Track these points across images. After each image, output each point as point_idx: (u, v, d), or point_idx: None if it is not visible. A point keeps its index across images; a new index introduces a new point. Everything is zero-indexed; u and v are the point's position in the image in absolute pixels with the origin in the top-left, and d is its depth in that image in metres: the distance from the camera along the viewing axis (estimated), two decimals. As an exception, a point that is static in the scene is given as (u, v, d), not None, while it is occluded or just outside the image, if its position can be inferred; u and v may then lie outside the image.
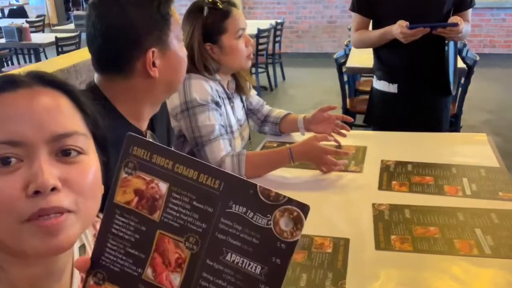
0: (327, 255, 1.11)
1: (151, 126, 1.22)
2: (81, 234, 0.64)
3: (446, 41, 2.06)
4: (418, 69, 2.13)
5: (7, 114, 0.58)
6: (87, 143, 0.63)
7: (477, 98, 4.83)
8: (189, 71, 1.63)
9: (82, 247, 0.73)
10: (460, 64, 3.32)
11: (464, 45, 3.80)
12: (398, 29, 1.97)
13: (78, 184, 0.59)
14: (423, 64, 2.11)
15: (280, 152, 1.58)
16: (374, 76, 2.34)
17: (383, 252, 1.13)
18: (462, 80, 3.31)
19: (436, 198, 1.37)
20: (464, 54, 3.56)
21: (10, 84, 0.61)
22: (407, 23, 1.95)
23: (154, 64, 1.07)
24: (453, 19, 1.97)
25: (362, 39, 2.23)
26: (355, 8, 2.22)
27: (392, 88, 2.21)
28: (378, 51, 2.26)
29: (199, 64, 1.62)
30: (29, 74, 0.64)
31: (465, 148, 1.75)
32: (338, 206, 1.37)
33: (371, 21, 2.22)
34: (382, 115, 2.29)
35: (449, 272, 1.04)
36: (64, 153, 0.59)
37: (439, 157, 1.65)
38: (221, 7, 1.62)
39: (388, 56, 2.21)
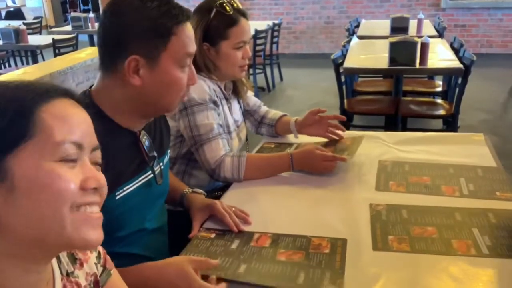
0: (325, 256, 1.11)
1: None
2: None
3: None
4: None
5: (78, 118, 0.64)
6: None
7: (475, 98, 4.84)
8: None
9: (71, 257, 0.74)
10: (457, 64, 3.34)
11: (461, 45, 3.80)
12: None
13: (104, 190, 0.66)
14: None
15: (281, 157, 1.58)
16: None
17: (381, 253, 1.12)
18: (459, 80, 3.31)
19: (434, 198, 1.37)
20: (461, 54, 3.56)
21: (61, 92, 0.65)
22: None
23: (138, 72, 1.06)
24: None
25: None
26: None
27: None
28: None
29: (200, 62, 1.61)
30: (60, 89, 0.67)
31: (462, 148, 1.75)
32: (335, 206, 1.37)
33: None
34: None
35: (446, 272, 1.03)
36: (95, 162, 0.67)
37: (436, 157, 1.65)
38: (230, 13, 1.61)
39: None
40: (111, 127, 1.09)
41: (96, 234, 0.63)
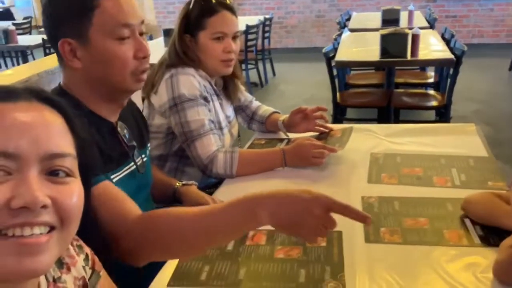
0: (323, 249, 1.11)
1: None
2: (58, 257, 0.63)
3: None
4: None
5: (5, 124, 0.57)
6: (75, 166, 0.63)
7: (467, 89, 4.85)
8: (175, 65, 1.62)
9: (58, 262, 0.72)
10: (449, 55, 3.34)
11: (452, 36, 3.80)
12: None
13: (66, 205, 0.59)
14: None
15: (274, 153, 1.58)
16: None
17: (373, 245, 1.12)
18: (451, 71, 3.32)
19: (425, 190, 1.38)
20: (452, 45, 3.56)
21: (10, 95, 0.60)
22: None
23: (76, 55, 1.05)
24: None
25: None
26: None
27: None
28: None
29: (181, 53, 1.62)
30: (27, 89, 0.63)
31: (454, 139, 1.75)
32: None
33: None
34: None
35: (438, 263, 1.04)
36: (53, 173, 0.59)
37: (428, 148, 1.65)
38: (209, 3, 1.61)
39: None
40: (90, 116, 1.08)
41: (35, 262, 0.55)
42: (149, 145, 1.32)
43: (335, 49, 3.66)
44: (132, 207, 1.01)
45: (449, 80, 3.36)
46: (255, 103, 1.94)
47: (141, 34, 1.11)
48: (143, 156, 1.24)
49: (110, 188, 1.02)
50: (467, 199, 1.22)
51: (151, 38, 4.89)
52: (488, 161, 1.54)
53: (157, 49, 3.65)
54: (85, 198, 0.64)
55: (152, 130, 1.61)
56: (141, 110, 1.51)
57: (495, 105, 4.71)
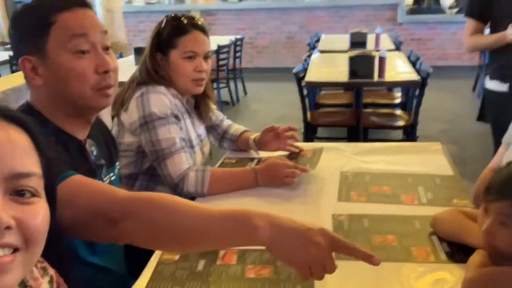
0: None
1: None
2: (21, 279, 0.62)
3: None
4: None
5: None
6: (40, 186, 0.61)
7: (433, 109, 5.00)
8: (146, 83, 1.62)
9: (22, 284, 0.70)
10: (415, 76, 3.44)
11: (418, 58, 3.93)
12: (510, 32, 2.10)
13: (30, 225, 0.57)
14: None
15: (245, 172, 1.58)
16: (487, 76, 2.44)
17: (343, 262, 1.13)
18: (417, 92, 3.41)
19: (393, 207, 1.40)
20: (418, 66, 3.68)
21: None
22: None
23: (37, 72, 1.05)
24: None
25: (475, 44, 2.43)
26: (470, 13, 2.38)
27: (503, 87, 2.30)
28: (492, 51, 2.40)
29: (152, 71, 1.62)
30: None
31: (421, 158, 1.79)
32: (299, 218, 1.36)
33: (489, 23, 2.34)
34: (494, 113, 2.35)
35: (407, 279, 1.05)
36: (18, 193, 0.57)
37: (396, 167, 1.69)
38: (181, 23, 1.62)
39: (501, 56, 2.31)
40: (58, 133, 1.07)
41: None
42: (118, 163, 1.31)
43: (305, 70, 3.73)
44: (117, 188, 0.97)
45: (415, 101, 3.46)
46: (226, 122, 1.95)
47: (106, 48, 1.10)
48: (111, 174, 1.22)
49: (85, 178, 0.97)
50: (435, 217, 1.25)
51: (121, 56, 4.87)
52: (453, 180, 1.58)
53: (127, 67, 3.63)
54: (51, 217, 0.63)
55: (121, 149, 1.59)
56: (111, 128, 1.50)
57: (460, 124, 4.86)
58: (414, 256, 1.14)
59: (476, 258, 1.02)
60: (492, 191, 0.99)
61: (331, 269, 0.82)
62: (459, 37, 7.68)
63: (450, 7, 7.67)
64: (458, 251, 1.14)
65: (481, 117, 2.56)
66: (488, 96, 2.47)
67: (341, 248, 0.83)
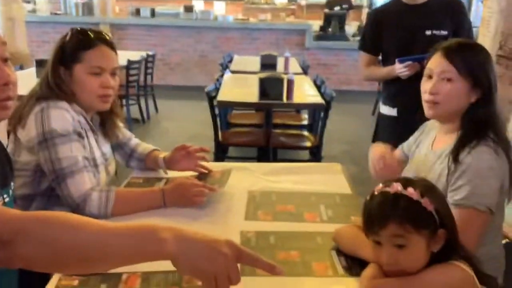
0: (199, 286, 1.12)
1: None
2: None
3: None
4: (412, 96, 2.30)
5: None
6: None
7: (337, 131, 5.29)
8: (47, 97, 1.53)
9: None
10: (320, 99, 3.64)
11: (323, 82, 4.16)
12: (397, 67, 2.40)
13: None
14: (415, 92, 2.29)
15: (153, 192, 1.57)
16: (380, 101, 2.74)
17: (248, 278, 1.17)
18: (322, 114, 3.61)
19: (297, 225, 1.48)
20: (323, 90, 3.89)
21: None
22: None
23: None
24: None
25: (371, 75, 2.74)
26: (363, 47, 2.69)
27: (393, 111, 2.59)
28: (384, 81, 2.69)
29: (53, 85, 1.54)
30: None
31: (323, 177, 1.91)
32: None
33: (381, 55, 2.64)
34: (385, 136, 2.49)
35: (308, 293, 1.12)
36: None
37: (300, 186, 1.78)
38: (87, 37, 1.58)
39: (391, 85, 2.60)
40: None
41: None
42: (13, 184, 1.23)
43: (217, 89, 3.78)
44: (6, 208, 0.91)
45: (320, 123, 3.66)
46: (134, 140, 1.91)
47: (5, 60, 1.05)
48: (5, 196, 1.14)
49: None
50: (336, 231, 1.34)
51: (21, 67, 4.59)
52: (351, 198, 1.70)
53: (28, 80, 3.43)
54: None
55: (17, 168, 1.49)
56: (6, 146, 1.41)
57: (360, 146, 5.18)
58: (314, 271, 1.21)
59: (368, 271, 1.11)
60: (375, 221, 1.07)
61: (236, 279, 0.84)
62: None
63: (353, 35, 8.20)
64: (354, 265, 1.23)
65: (375, 139, 2.79)
66: (381, 120, 2.77)
67: (246, 259, 0.86)
